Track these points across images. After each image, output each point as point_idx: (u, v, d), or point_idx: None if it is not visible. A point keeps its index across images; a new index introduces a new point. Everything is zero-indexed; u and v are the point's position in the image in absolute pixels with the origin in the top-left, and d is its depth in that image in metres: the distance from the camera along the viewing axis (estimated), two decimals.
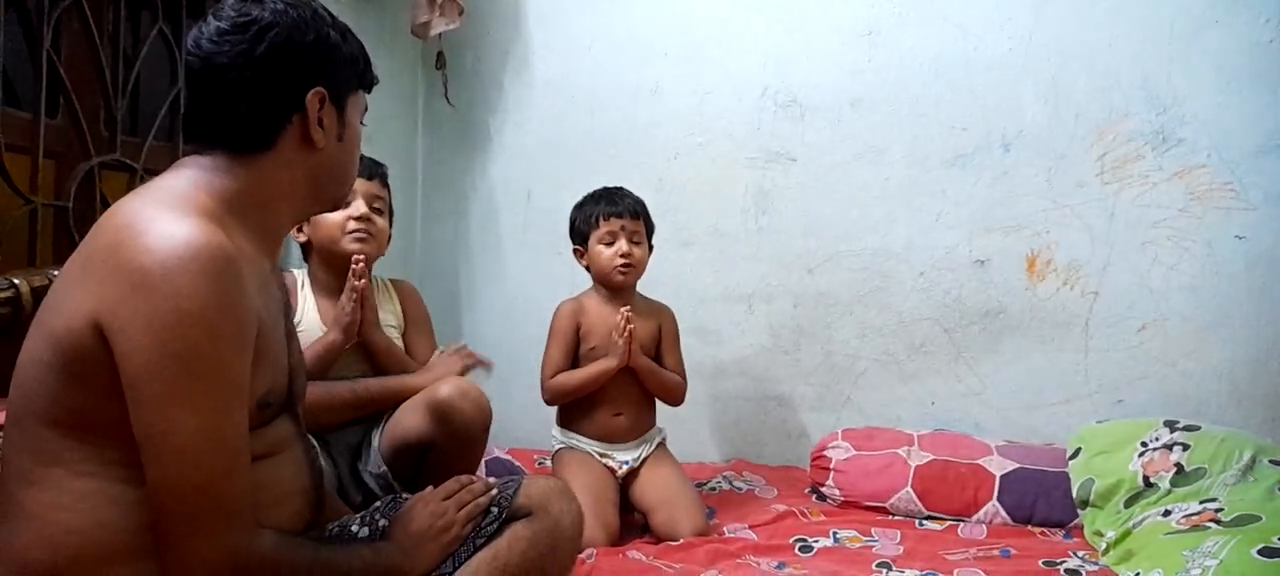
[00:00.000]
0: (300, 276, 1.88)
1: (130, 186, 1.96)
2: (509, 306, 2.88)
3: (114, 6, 1.97)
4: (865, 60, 2.52)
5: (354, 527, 1.24)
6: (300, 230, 1.87)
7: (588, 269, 2.18)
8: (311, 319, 1.81)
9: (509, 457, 2.45)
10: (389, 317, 1.92)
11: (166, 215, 0.95)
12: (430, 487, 1.29)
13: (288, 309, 1.19)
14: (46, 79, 1.81)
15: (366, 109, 1.21)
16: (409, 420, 1.67)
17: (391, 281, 2.02)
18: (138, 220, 0.95)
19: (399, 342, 1.91)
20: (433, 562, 1.20)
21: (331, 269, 1.83)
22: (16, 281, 1.42)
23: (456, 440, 1.61)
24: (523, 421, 2.71)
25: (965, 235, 2.46)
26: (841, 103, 2.55)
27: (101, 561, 0.95)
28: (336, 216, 1.80)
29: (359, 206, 1.82)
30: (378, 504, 1.32)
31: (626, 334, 2.05)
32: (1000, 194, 2.42)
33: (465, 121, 2.91)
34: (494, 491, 1.30)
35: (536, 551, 1.27)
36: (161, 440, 0.92)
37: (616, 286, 2.14)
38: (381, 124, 2.76)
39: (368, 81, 1.20)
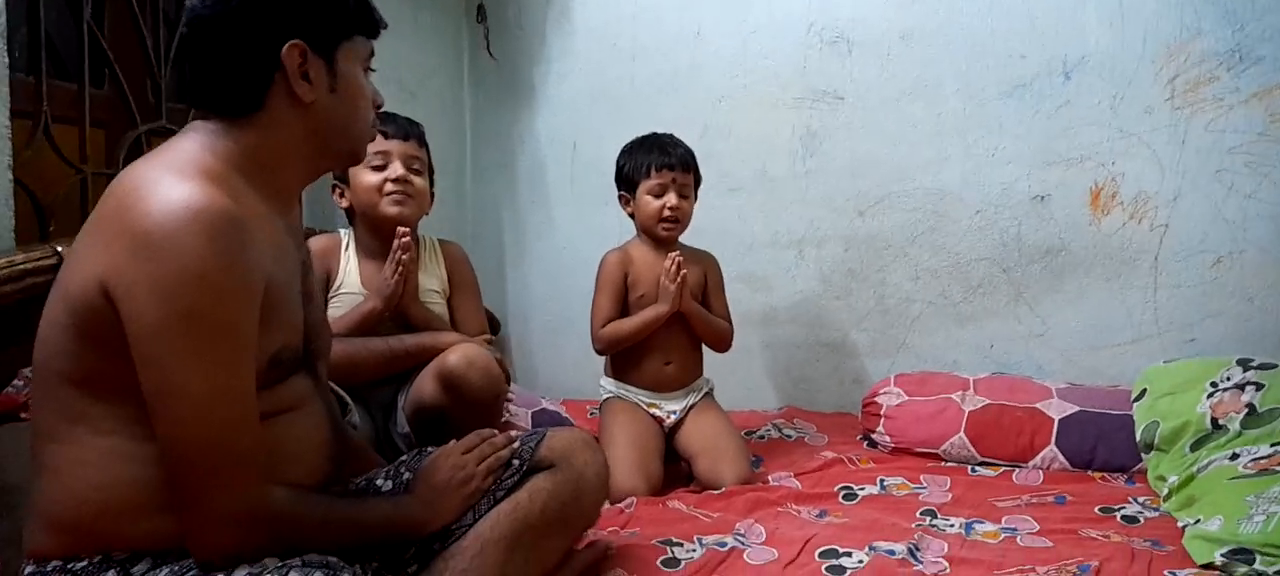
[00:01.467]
0: (345, 237, 1.89)
1: None
2: (558, 259, 2.88)
3: None
4: None
5: (379, 481, 1.27)
6: (341, 194, 1.88)
7: (632, 216, 2.15)
8: (354, 281, 1.83)
9: (559, 409, 2.47)
10: (432, 281, 1.90)
11: (169, 178, 0.96)
12: (453, 441, 1.30)
13: (306, 267, 1.18)
14: (90, 50, 1.86)
15: (371, 54, 1.17)
16: (425, 385, 1.67)
17: (440, 242, 2.00)
18: (142, 184, 0.96)
19: (441, 306, 1.90)
20: (453, 514, 1.21)
21: (374, 232, 1.84)
22: (60, 248, 1.47)
23: (466, 408, 1.59)
24: (575, 373, 2.74)
25: (1024, 170, 2.34)
26: (890, 36, 2.44)
27: (124, 515, 0.98)
28: (374, 179, 1.80)
29: (396, 168, 1.81)
30: (403, 457, 1.34)
31: (678, 279, 2.03)
32: (1061, 125, 2.29)
33: (509, 74, 2.90)
34: (515, 444, 1.31)
35: (557, 502, 1.28)
36: (169, 398, 0.93)
37: (661, 239, 2.11)
38: (427, 80, 2.78)
39: (366, 26, 1.15)
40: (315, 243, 1.85)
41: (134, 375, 0.93)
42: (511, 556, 1.21)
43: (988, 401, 2.15)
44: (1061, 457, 2.03)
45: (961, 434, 2.11)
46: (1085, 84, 2.26)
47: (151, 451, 0.97)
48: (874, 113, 2.47)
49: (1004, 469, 2.05)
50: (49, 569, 0.99)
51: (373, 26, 1.16)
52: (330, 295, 1.81)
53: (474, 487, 1.23)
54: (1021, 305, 2.38)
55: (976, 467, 2.06)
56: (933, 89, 2.41)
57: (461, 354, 1.64)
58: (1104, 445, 2.01)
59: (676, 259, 2.03)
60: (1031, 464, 2.04)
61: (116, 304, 0.92)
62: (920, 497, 1.88)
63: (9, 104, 1.57)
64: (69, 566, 0.98)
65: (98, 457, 0.98)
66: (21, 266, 1.44)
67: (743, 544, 1.57)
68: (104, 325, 0.94)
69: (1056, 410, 2.09)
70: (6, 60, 1.57)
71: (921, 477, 1.99)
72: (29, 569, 1.01)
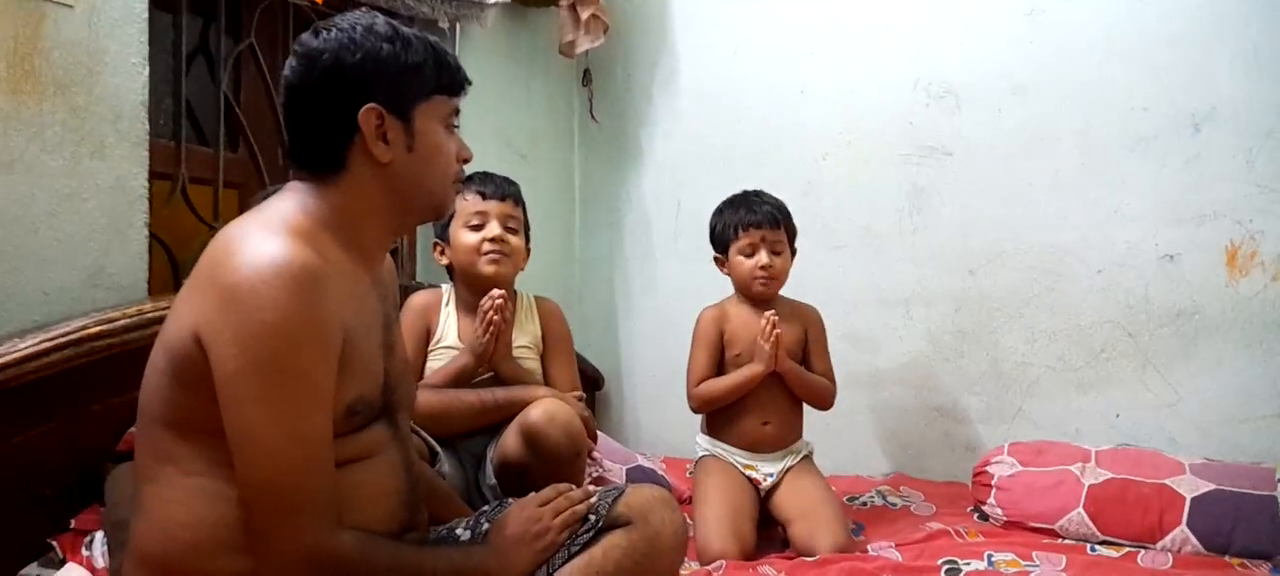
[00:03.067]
0: (447, 293, 1.96)
1: None
2: (662, 315, 2.89)
3: (285, 48, 2.17)
4: (1027, 42, 2.32)
5: (459, 531, 1.28)
6: (442, 252, 1.95)
7: (729, 276, 2.14)
8: (452, 336, 1.89)
9: (656, 466, 2.45)
10: (525, 338, 1.93)
11: (258, 235, 1.03)
12: (532, 493, 1.31)
13: (389, 320, 1.23)
14: (225, 117, 2.02)
15: (454, 111, 1.20)
16: (508, 439, 1.69)
17: (537, 299, 2.03)
18: (234, 240, 1.03)
19: (533, 361, 1.93)
20: (526, 568, 1.20)
21: (472, 289, 1.89)
22: None
23: (545, 464, 1.59)
24: (678, 431, 2.72)
25: (1150, 228, 2.20)
26: (1001, 90, 2.36)
27: (208, 553, 1.03)
28: (472, 239, 1.86)
29: (492, 228, 1.86)
30: (484, 508, 1.35)
31: (773, 338, 2.00)
32: (1190, 180, 2.15)
33: (616, 135, 2.97)
34: (592, 499, 1.31)
35: (631, 559, 1.25)
36: (245, 440, 0.99)
37: (757, 297, 2.10)
38: (538, 143, 2.87)
39: (447, 85, 1.18)
40: (417, 298, 1.93)
41: (219, 418, 0.99)
42: None
43: (1111, 475, 2.00)
44: (1194, 540, 1.85)
45: (1080, 509, 1.96)
46: (1216, 137, 2.12)
47: (233, 492, 1.02)
48: (985, 168, 2.39)
49: (1128, 549, 1.88)
50: None
51: (454, 85, 1.19)
52: (429, 348, 1.87)
53: (548, 542, 1.22)
54: (1150, 372, 2.22)
55: (1096, 547, 1.91)
56: (1048, 144, 2.31)
57: (542, 410, 1.65)
58: (1244, 528, 1.82)
59: (772, 317, 2.00)
60: (1160, 545, 1.88)
61: (206, 350, 0.99)
62: (1032, 575, 1.76)
63: (148, 167, 1.73)
64: None
65: (184, 496, 1.04)
66: (150, 315, 1.57)
67: None
68: (196, 370, 1.00)
69: (1189, 487, 1.92)
70: (148, 128, 1.73)
71: (1034, 555, 1.86)
72: None
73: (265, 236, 1.02)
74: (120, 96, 1.69)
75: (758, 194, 2.13)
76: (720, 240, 2.12)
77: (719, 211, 2.15)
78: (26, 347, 1.48)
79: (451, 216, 1.87)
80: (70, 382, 1.52)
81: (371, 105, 1.10)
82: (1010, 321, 2.38)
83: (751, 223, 2.06)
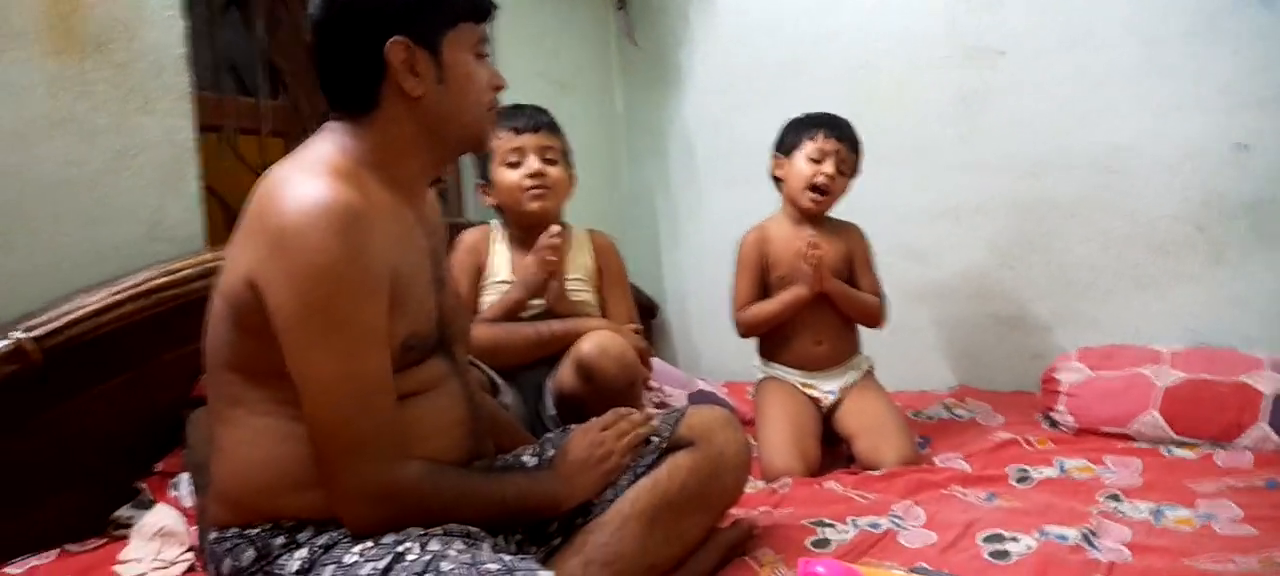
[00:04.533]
0: (496, 228, 1.95)
1: None
2: (711, 240, 2.84)
3: None
4: None
5: (526, 457, 1.30)
6: (486, 193, 1.92)
7: (778, 182, 2.09)
8: (504, 271, 1.88)
9: (718, 390, 2.46)
10: (577, 271, 1.92)
11: (300, 177, 1.02)
12: (594, 418, 1.31)
13: (438, 255, 1.22)
14: (267, 65, 2.02)
15: (483, 38, 1.16)
16: (564, 371, 1.69)
17: (590, 232, 2.01)
18: (277, 185, 1.03)
19: (586, 293, 1.91)
20: (592, 491, 1.22)
21: (521, 225, 1.88)
22: None
23: (600, 397, 1.57)
24: (737, 355, 2.70)
25: (1219, 116, 2.09)
26: None
27: (284, 489, 1.05)
28: (512, 176, 1.83)
29: (531, 162, 1.83)
30: (549, 435, 1.37)
31: (815, 260, 1.96)
32: (1261, 59, 2.02)
33: (656, 59, 2.91)
34: (654, 422, 1.31)
35: (697, 479, 1.27)
36: (306, 382, 1.00)
37: (804, 210, 2.05)
38: (579, 73, 2.83)
39: (474, 11, 1.14)
40: (467, 235, 1.92)
41: (281, 360, 1.00)
42: (652, 531, 1.21)
43: (1185, 375, 1.95)
44: (1275, 437, 1.80)
45: (1154, 411, 1.92)
46: None
47: (301, 430, 1.03)
48: (1036, 66, 2.29)
49: (1205, 449, 1.84)
50: (228, 535, 1.08)
51: (480, 10, 1.15)
52: (482, 284, 1.87)
53: (612, 464, 1.24)
54: (1222, 268, 2.14)
55: (1172, 448, 1.87)
56: (1103, 33, 2.20)
57: (594, 342, 1.64)
58: None
59: (811, 239, 1.96)
60: (1238, 443, 1.83)
61: (262, 295, 1.00)
62: (1105, 481, 1.72)
63: (196, 120, 1.74)
64: (244, 532, 1.07)
65: (256, 437, 1.06)
66: (211, 264, 1.59)
67: (899, 526, 1.49)
68: (254, 315, 1.01)
69: (1268, 384, 1.86)
70: (192, 79, 1.73)
71: (1106, 459, 1.83)
72: (212, 536, 1.11)
73: (306, 178, 1.02)
74: (160, 50, 1.70)
75: (844, 119, 2.06)
76: (787, 141, 2.07)
77: (798, 120, 2.08)
78: (96, 302, 1.53)
79: (489, 156, 1.85)
80: (141, 333, 1.56)
81: (398, 38, 1.07)
82: (1072, 224, 2.30)
83: (832, 132, 2.01)
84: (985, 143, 2.38)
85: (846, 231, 2.12)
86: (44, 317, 1.49)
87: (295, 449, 1.04)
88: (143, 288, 1.57)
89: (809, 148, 2.01)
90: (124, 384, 1.60)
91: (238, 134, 1.95)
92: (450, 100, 1.12)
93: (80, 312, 1.50)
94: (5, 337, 1.44)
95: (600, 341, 1.65)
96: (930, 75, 2.43)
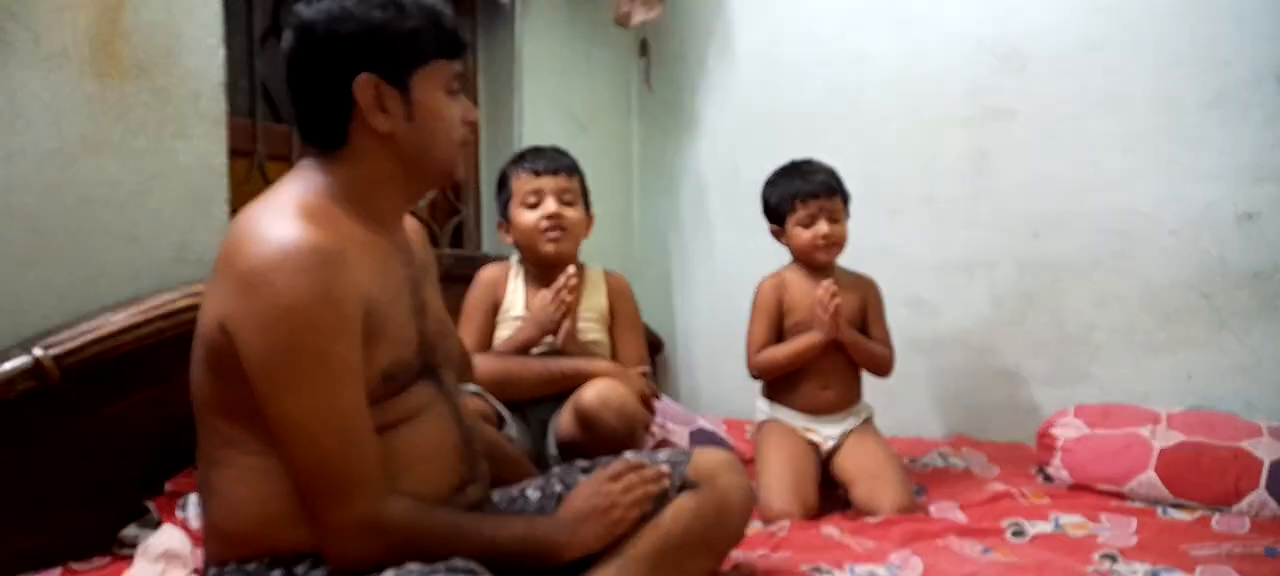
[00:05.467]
0: (513, 264, 2.00)
1: None
2: (721, 281, 2.90)
3: None
4: None
5: (529, 492, 1.31)
6: (506, 231, 1.96)
7: (787, 246, 2.14)
8: (519, 307, 1.92)
9: (718, 427, 2.49)
10: (591, 311, 1.95)
11: (268, 218, 1.03)
12: (602, 467, 1.29)
13: (416, 282, 1.20)
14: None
15: (456, 75, 1.16)
16: (565, 416, 1.71)
17: (605, 273, 2.03)
18: (246, 226, 1.04)
19: (596, 333, 1.95)
20: (595, 543, 1.18)
21: (537, 264, 1.92)
22: None
23: (599, 447, 1.56)
24: (738, 394, 2.73)
25: (1228, 187, 2.13)
26: (1072, 49, 2.29)
27: (279, 524, 1.06)
28: (530, 218, 1.87)
29: (548, 205, 1.87)
30: (555, 469, 1.38)
31: (832, 308, 2.00)
32: (1272, 137, 2.07)
33: (673, 103, 2.97)
34: (665, 481, 1.27)
35: (701, 523, 1.26)
36: (281, 425, 1.01)
37: (819, 265, 2.09)
38: (597, 114, 2.90)
39: (446, 49, 1.14)
40: (486, 271, 1.97)
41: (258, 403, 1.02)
42: (655, 574, 1.21)
43: (1183, 437, 1.97)
44: (1273, 503, 1.82)
45: (1151, 471, 1.93)
46: None
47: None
48: (1052, 129, 2.33)
49: (1202, 513, 1.86)
50: (226, 570, 1.09)
51: (452, 49, 1.15)
52: (498, 319, 1.92)
53: (617, 517, 1.20)
54: (1226, 335, 2.16)
55: (1168, 510, 1.89)
56: (1120, 102, 2.24)
57: (596, 392, 1.65)
58: None
59: (829, 287, 2.00)
60: (1236, 509, 1.85)
61: (232, 339, 1.00)
62: (1099, 539, 1.74)
63: (227, 145, 1.79)
64: (243, 567, 1.08)
65: (247, 475, 1.06)
66: None
67: None
68: (228, 361, 1.01)
69: (1267, 451, 1.88)
70: (226, 107, 1.79)
71: (1102, 517, 1.84)
72: (211, 571, 1.12)
73: (274, 220, 1.03)
74: (199, 77, 1.76)
75: (808, 163, 2.11)
76: (776, 212, 2.12)
77: (771, 183, 2.14)
78: (120, 321, 1.57)
79: (510, 197, 1.90)
80: (163, 354, 1.60)
81: (366, 75, 1.07)
82: (1077, 284, 2.33)
83: (809, 193, 2.06)
84: (997, 200, 2.42)
85: (861, 284, 2.16)
86: (64, 336, 1.51)
87: (288, 486, 1.04)
88: (166, 308, 1.61)
89: (797, 215, 2.06)
90: (141, 403, 1.63)
91: (268, 160, 2.01)
92: (419, 137, 1.13)
93: (100, 332, 1.53)
94: (26, 354, 1.46)
95: (602, 392, 1.66)
96: (947, 133, 2.48)
